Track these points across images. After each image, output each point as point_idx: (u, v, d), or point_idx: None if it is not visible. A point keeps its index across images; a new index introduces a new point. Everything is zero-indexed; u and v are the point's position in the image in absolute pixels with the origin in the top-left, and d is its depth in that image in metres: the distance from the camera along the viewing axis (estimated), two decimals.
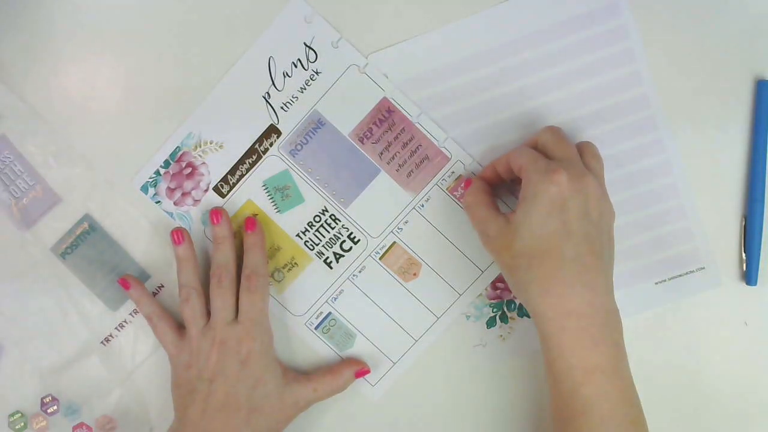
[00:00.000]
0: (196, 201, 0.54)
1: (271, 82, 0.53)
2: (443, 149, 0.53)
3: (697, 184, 0.53)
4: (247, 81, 0.53)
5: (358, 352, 0.55)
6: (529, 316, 0.54)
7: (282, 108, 0.53)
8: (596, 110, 0.52)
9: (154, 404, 0.55)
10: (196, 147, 0.53)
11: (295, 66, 0.53)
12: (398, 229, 0.54)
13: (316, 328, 0.55)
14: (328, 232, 0.54)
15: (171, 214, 0.54)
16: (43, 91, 0.53)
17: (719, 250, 0.54)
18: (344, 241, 0.54)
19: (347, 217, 0.54)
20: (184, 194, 0.54)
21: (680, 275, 0.54)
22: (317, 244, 0.54)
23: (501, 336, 0.55)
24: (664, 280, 0.54)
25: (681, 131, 0.53)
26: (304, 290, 0.54)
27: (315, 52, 0.52)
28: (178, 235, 0.52)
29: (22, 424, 0.54)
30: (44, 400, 0.54)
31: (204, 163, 0.54)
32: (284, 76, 0.53)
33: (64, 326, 0.54)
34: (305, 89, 0.53)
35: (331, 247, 0.54)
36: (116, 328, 0.55)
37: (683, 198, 0.53)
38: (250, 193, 0.54)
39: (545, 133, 0.48)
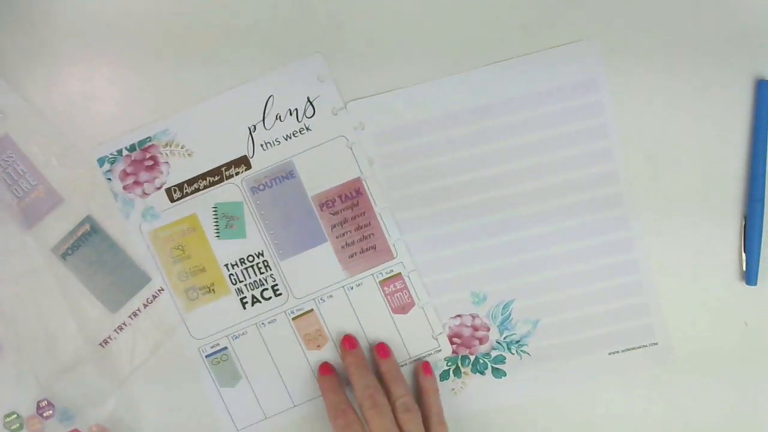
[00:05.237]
0: (145, 194, 0.53)
1: (261, 118, 0.53)
2: (392, 247, 0.54)
3: (698, 184, 0.53)
4: (241, 107, 0.53)
5: (235, 394, 0.55)
6: (482, 373, 0.55)
7: (261, 146, 0.53)
8: (564, 181, 0.53)
9: (148, 416, 0.55)
10: (166, 144, 0.53)
11: (290, 114, 0.53)
12: (321, 299, 0.54)
13: (206, 357, 0.55)
14: (256, 275, 0.54)
15: (116, 196, 0.54)
16: (46, 90, 0.52)
17: (719, 250, 0.54)
18: (267, 289, 0.54)
19: (279, 269, 0.54)
20: (136, 183, 0.53)
21: (633, 348, 0.55)
22: (240, 282, 0.54)
23: (453, 390, 0.56)
24: (618, 351, 0.55)
25: (681, 130, 0.53)
26: (210, 317, 0.55)
27: (314, 110, 0.53)
28: (350, 342, 0.53)
29: (18, 425, 0.54)
30: (40, 404, 0.54)
31: (167, 162, 0.53)
32: (276, 119, 0.53)
33: (62, 327, 0.53)
34: (290, 138, 0.53)
35: (253, 290, 0.54)
36: (115, 330, 0.54)
37: (642, 274, 0.54)
38: (198, 208, 0.54)
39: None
